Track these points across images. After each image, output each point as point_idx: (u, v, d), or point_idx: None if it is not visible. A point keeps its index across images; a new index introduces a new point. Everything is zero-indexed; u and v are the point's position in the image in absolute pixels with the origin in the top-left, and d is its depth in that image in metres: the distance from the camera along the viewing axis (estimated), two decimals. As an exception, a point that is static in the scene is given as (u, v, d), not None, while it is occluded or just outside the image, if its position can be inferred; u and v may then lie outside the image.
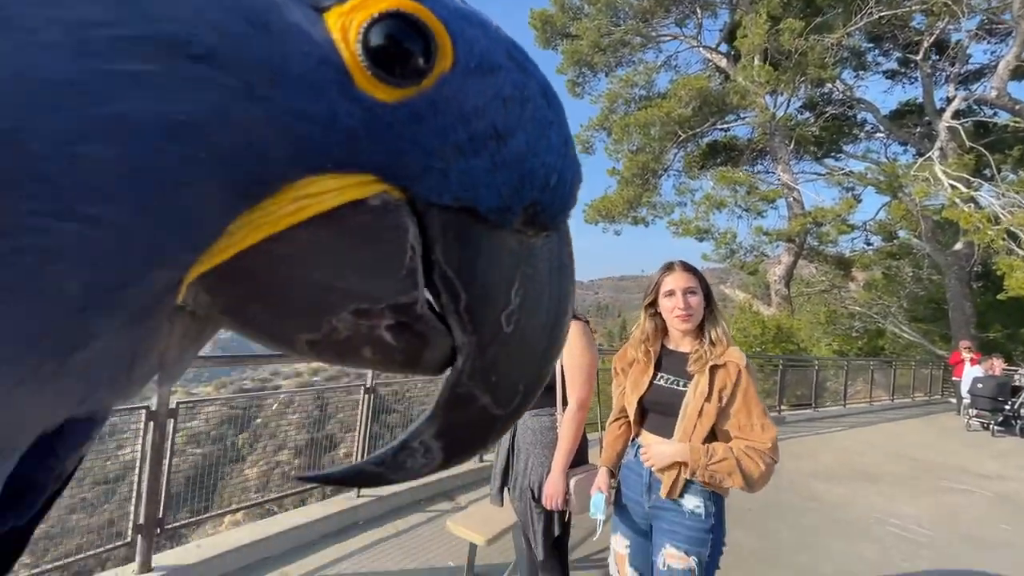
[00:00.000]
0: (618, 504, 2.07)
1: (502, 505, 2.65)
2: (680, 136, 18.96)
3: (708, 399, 1.80)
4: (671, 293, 1.91)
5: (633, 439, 2.05)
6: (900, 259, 23.38)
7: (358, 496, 4.00)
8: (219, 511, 3.68)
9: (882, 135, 22.43)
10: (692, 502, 1.87)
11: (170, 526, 2.92)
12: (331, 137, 0.23)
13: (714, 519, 1.85)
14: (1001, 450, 9.07)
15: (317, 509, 3.76)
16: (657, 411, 1.94)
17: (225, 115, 0.21)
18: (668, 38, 21.72)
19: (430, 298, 0.29)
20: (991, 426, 10.60)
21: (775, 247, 19.89)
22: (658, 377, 1.95)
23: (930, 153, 16.88)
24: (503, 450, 2.59)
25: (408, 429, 0.31)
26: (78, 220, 0.19)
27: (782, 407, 10.76)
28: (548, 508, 2.31)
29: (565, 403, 2.38)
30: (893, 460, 7.60)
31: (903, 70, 22.43)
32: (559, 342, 0.32)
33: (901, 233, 21.23)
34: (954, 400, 14.00)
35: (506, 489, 2.59)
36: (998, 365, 12.03)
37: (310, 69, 0.23)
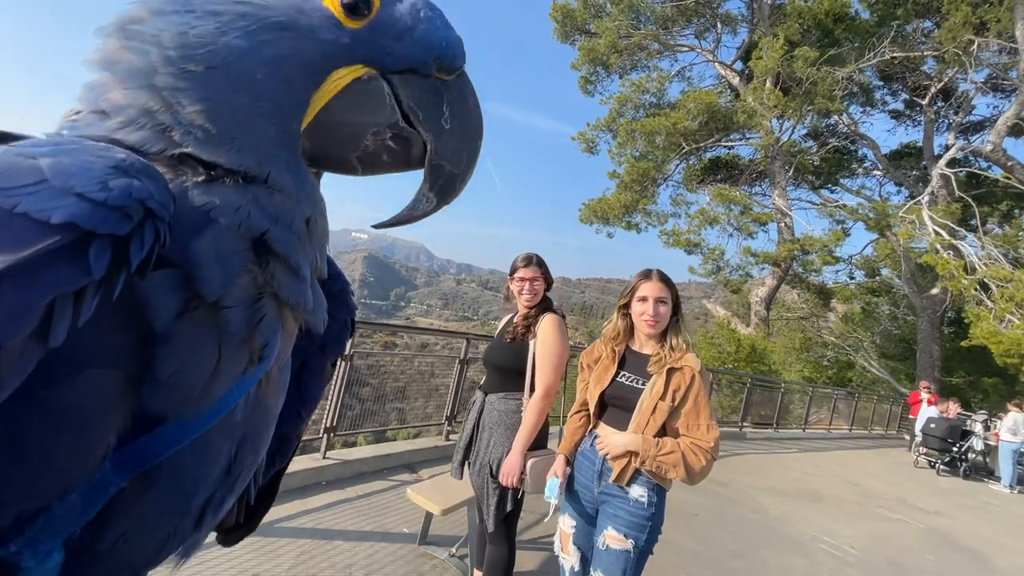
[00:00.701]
0: (569, 488, 2.22)
1: (461, 478, 2.79)
2: (684, 148, 19.11)
3: (663, 398, 1.95)
4: (644, 299, 2.06)
5: (591, 430, 2.19)
6: (879, 296, 24.02)
7: (324, 458, 4.12)
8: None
9: (879, 173, 22.86)
10: (637, 491, 2.02)
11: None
12: (337, 48, 0.49)
13: (655, 508, 2.00)
14: (942, 488, 9.51)
15: (283, 464, 3.87)
16: (616, 406, 2.09)
17: (304, 46, 0.47)
18: (685, 48, 21.78)
19: (404, 121, 0.54)
20: (937, 465, 11.06)
21: (761, 269, 20.26)
22: (620, 375, 2.09)
23: (920, 197, 17.30)
24: (468, 426, 2.72)
25: (417, 190, 0.56)
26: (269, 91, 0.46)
27: (744, 424, 11.09)
28: (504, 485, 2.45)
29: (533, 390, 2.51)
30: (839, 485, 7.95)
31: (908, 112, 22.83)
32: (480, 131, 0.57)
33: (884, 271, 21.78)
34: (908, 437, 14.54)
35: (467, 464, 2.73)
36: (954, 408, 12.50)
37: (323, 22, 0.49)
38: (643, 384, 2.02)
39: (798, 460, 9.38)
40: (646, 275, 2.13)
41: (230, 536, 0.63)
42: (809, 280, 20.72)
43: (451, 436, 5.46)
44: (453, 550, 3.31)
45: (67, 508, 0.32)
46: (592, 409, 2.15)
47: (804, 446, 11.08)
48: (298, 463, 3.94)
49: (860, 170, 23.01)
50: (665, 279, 2.11)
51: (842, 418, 16.10)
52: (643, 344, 2.13)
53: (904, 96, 21.92)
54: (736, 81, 21.00)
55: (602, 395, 2.10)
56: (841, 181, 22.52)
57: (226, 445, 0.45)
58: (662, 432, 2.00)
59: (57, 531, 0.32)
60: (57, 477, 0.31)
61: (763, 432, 11.48)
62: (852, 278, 23.07)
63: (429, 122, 0.54)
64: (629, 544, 1.96)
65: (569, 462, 2.25)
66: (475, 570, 2.79)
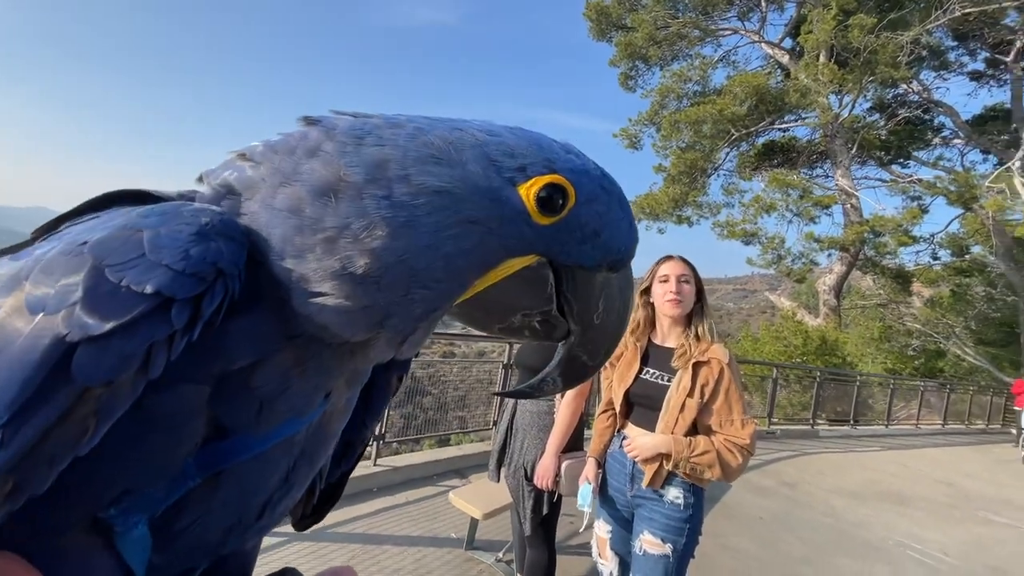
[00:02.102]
0: (603, 492, 2.16)
1: (499, 481, 2.79)
2: (733, 135, 18.29)
3: (690, 394, 1.86)
4: (665, 279, 1.99)
5: (619, 430, 2.13)
6: (971, 276, 21.68)
7: (375, 464, 4.26)
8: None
9: (960, 141, 20.80)
10: (672, 493, 1.93)
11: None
12: (521, 244, 0.50)
13: (692, 510, 1.91)
14: (1058, 488, 8.43)
15: (334, 471, 4.04)
16: (642, 404, 2.02)
17: (490, 241, 0.49)
18: (728, 32, 20.90)
19: (557, 310, 0.55)
20: (1051, 462, 9.83)
21: (827, 255, 18.95)
22: (644, 371, 2.02)
23: (1011, 163, 15.56)
24: (501, 429, 2.73)
25: (544, 371, 0.57)
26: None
27: (817, 422, 10.36)
28: (539, 487, 2.43)
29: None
30: (929, 485, 7.23)
31: (991, 72, 20.65)
32: (624, 328, 0.59)
33: (975, 248, 19.70)
34: (1014, 431, 13.01)
35: (502, 467, 2.73)
36: (1068, 398, 11.08)
37: (513, 216, 0.49)
38: (668, 380, 1.94)
39: (879, 459, 8.64)
40: (666, 258, 2.09)
41: (301, 523, 0.72)
42: (884, 264, 19.13)
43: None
44: (500, 555, 3.31)
45: (154, 492, 0.43)
46: (618, 408, 2.08)
47: (887, 444, 10.19)
48: (349, 470, 4.10)
49: (937, 140, 21.03)
50: (686, 261, 2.05)
51: (934, 412, 14.69)
52: (666, 336, 2.04)
53: (984, 55, 19.86)
54: (786, 60, 19.88)
55: (627, 394, 2.03)
56: (915, 154, 20.66)
57: (285, 460, 0.52)
58: (693, 430, 1.91)
59: (144, 509, 0.43)
60: (151, 467, 0.42)
61: (839, 430, 10.68)
62: (936, 259, 21.02)
63: (582, 315, 0.54)
64: (667, 548, 1.88)
65: (600, 465, 2.19)
66: (518, 575, 2.78)
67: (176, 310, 0.38)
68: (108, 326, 0.35)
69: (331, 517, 3.72)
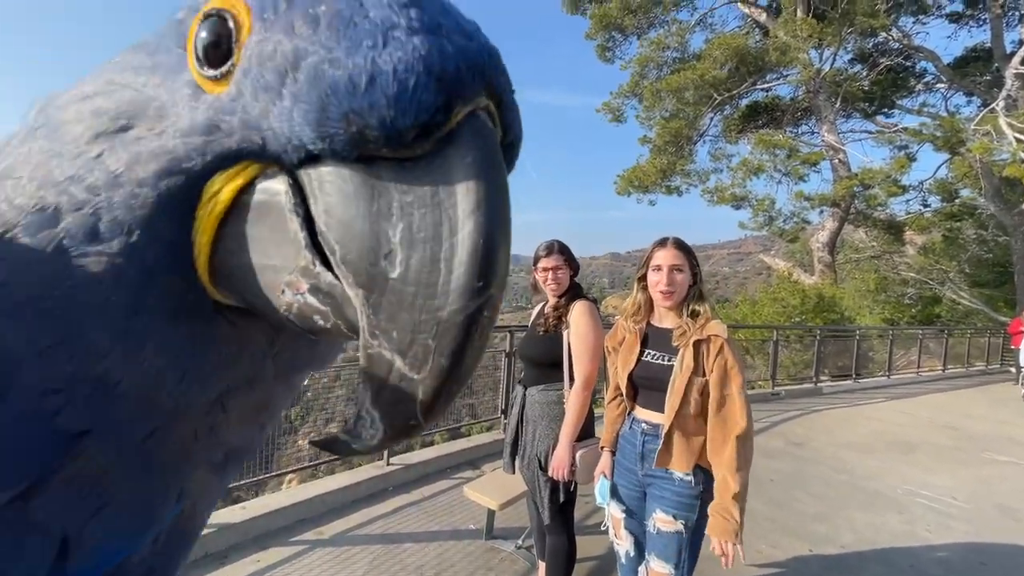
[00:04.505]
0: (614, 472, 2.18)
1: (514, 473, 2.82)
2: (716, 99, 18.11)
3: (695, 372, 1.86)
4: (658, 268, 1.97)
5: (628, 413, 2.14)
6: (961, 220, 21.76)
7: (387, 464, 4.29)
8: (268, 474, 4.04)
9: (943, 86, 20.66)
10: (682, 470, 1.95)
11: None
12: (199, 139, 0.29)
13: (703, 486, 1.93)
14: (1060, 422, 8.59)
15: (346, 476, 4.07)
16: (647, 386, 2.02)
17: (136, 147, 0.30)
18: (703, -6, 20.57)
19: (320, 262, 0.30)
20: (1052, 396, 10.01)
21: (819, 212, 18.95)
22: (645, 353, 2.02)
23: (995, 104, 15.49)
24: (512, 421, 2.74)
25: (357, 404, 0.30)
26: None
27: (820, 379, 10.48)
28: (555, 478, 2.45)
29: (572, 380, 2.48)
30: (934, 431, 7.35)
31: (969, 12, 20.41)
32: (469, 272, 0.26)
33: (964, 192, 19.73)
34: (1013, 370, 13.22)
35: (516, 457, 2.75)
36: (1065, 332, 11.23)
37: (177, 94, 0.30)
38: (670, 360, 1.94)
39: (884, 410, 8.76)
40: (661, 243, 2.04)
41: None
42: (875, 216, 19.16)
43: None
44: (520, 542, 3.36)
45: None
46: (625, 392, 2.09)
47: (890, 394, 10.33)
48: (363, 472, 4.13)
49: (920, 87, 20.90)
50: (681, 246, 2.01)
51: (934, 358, 14.87)
52: (663, 317, 2.04)
53: (962, -5, 19.63)
54: (763, 18, 19.58)
55: (631, 377, 2.04)
56: (899, 103, 20.54)
57: None
58: (702, 406, 1.90)
59: None
60: None
61: (842, 385, 10.80)
62: (926, 206, 21.06)
63: (354, 264, 0.28)
64: (680, 525, 1.90)
65: (614, 451, 2.21)
66: (540, 561, 2.82)
67: None
68: None
69: (350, 520, 3.73)
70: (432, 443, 5.27)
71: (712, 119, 20.06)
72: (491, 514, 3.40)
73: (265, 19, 0.28)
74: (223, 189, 0.30)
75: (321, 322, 0.30)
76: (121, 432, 0.33)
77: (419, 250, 0.27)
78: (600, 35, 20.16)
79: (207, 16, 0.30)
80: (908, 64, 20.39)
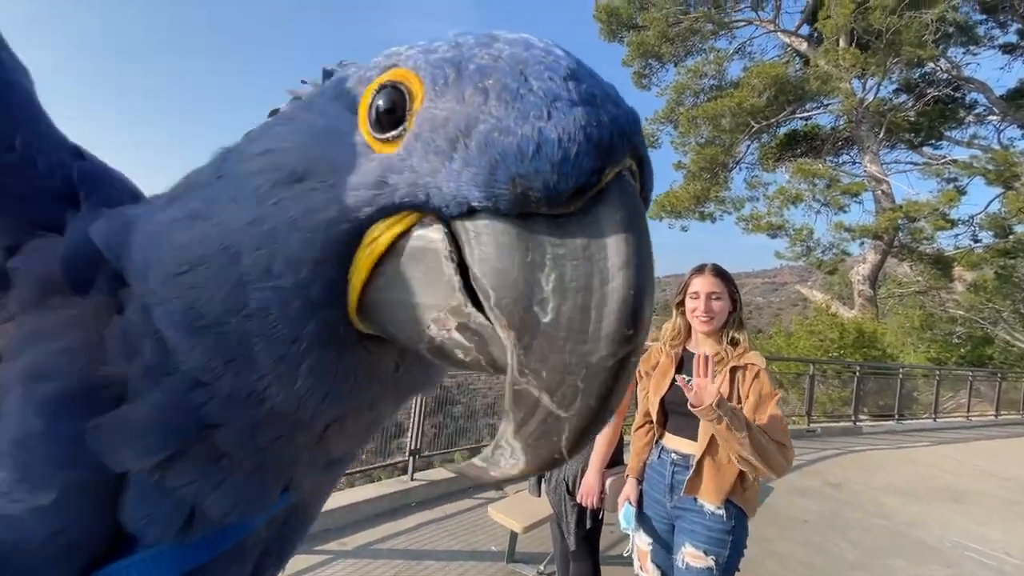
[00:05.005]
0: (642, 503, 2.14)
1: (539, 495, 2.80)
2: (753, 127, 17.94)
3: (730, 399, 1.83)
4: (696, 295, 1.97)
5: (657, 440, 2.11)
6: (1016, 258, 20.64)
7: (411, 480, 4.31)
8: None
9: (995, 118, 19.90)
10: (713, 504, 1.90)
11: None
12: (368, 191, 0.33)
13: (735, 522, 1.88)
14: None
15: (371, 489, 4.11)
16: (678, 412, 1.99)
17: (314, 197, 0.34)
18: (742, 24, 20.57)
19: (472, 304, 0.33)
20: (1120, 451, 9.24)
21: (859, 244, 18.35)
22: (679, 379, 2.00)
23: (1053, 137, 14.80)
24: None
25: (499, 432, 0.32)
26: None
27: (859, 417, 10.01)
28: (583, 505, 2.42)
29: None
30: (985, 480, 6.89)
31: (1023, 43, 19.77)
32: (619, 321, 0.29)
33: (1018, 228, 18.77)
34: (1075, 419, 12.31)
35: (543, 481, 2.74)
36: None
37: (350, 152, 0.34)
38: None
39: (929, 454, 8.28)
40: (699, 270, 2.03)
41: None
42: (921, 250, 18.40)
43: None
44: (542, 567, 3.31)
45: None
46: (655, 417, 2.07)
47: (937, 438, 9.76)
48: (387, 486, 4.16)
49: (970, 118, 20.18)
50: (720, 273, 2.00)
51: (985, 402, 14.02)
52: (700, 343, 2.02)
53: (1016, 26, 19.02)
54: (804, 47, 19.44)
55: (663, 402, 2.02)
56: (947, 134, 19.88)
57: (237, 568, 0.44)
58: None
59: None
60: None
61: (883, 425, 10.27)
62: (977, 241, 20.09)
63: (508, 309, 0.30)
64: (711, 561, 1.85)
65: (640, 482, 2.17)
66: (562, 588, 2.76)
67: None
68: None
69: (373, 533, 3.75)
70: (452, 460, 5.27)
71: (749, 146, 19.86)
72: (514, 537, 3.36)
73: (437, 90, 0.32)
74: (383, 235, 0.33)
75: (462, 356, 0.33)
76: (251, 434, 0.37)
77: (571, 299, 0.29)
78: (637, 62, 20.37)
79: (382, 87, 0.34)
80: (957, 95, 19.78)
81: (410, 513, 3.96)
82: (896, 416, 10.78)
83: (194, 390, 0.36)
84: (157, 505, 0.37)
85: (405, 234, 0.33)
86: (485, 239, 0.31)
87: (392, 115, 0.33)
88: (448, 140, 0.30)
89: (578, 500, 2.43)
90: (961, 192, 17.66)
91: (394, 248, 0.33)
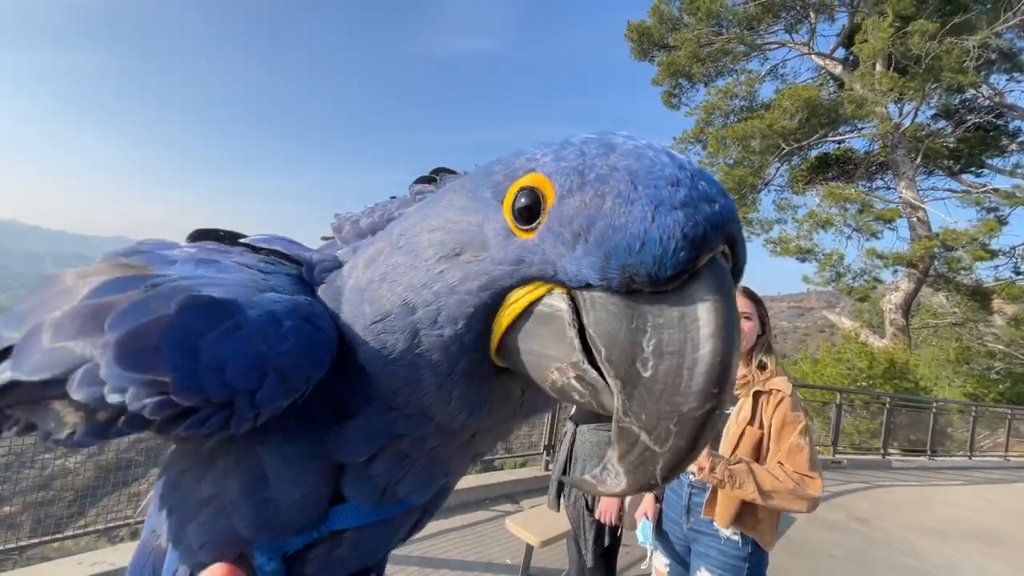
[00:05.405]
0: (660, 524, 2.14)
1: (558, 510, 2.80)
2: (783, 149, 17.72)
3: (751, 423, 1.83)
4: None
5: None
6: (1060, 292, 19.75)
7: (430, 487, 4.34)
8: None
9: (1040, 147, 19.22)
10: (729, 529, 1.89)
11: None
12: (509, 265, 0.43)
13: (751, 548, 1.86)
14: None
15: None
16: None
17: (469, 268, 0.44)
18: (775, 46, 20.45)
19: (587, 360, 0.41)
20: None
21: (892, 272, 17.82)
22: None
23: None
24: (561, 457, 2.74)
25: (606, 457, 0.41)
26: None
27: (888, 451, 9.65)
28: (602, 521, 2.42)
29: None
30: (1023, 524, 6.55)
31: (1072, 71, 19.11)
32: (706, 381, 0.35)
33: (1063, 261, 17.98)
34: (1124, 466, 11.60)
35: (562, 496, 2.74)
36: None
37: (497, 235, 0.44)
38: (728, 408, 1.91)
39: (963, 494, 7.93)
40: None
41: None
42: (958, 280, 17.76)
43: (550, 466, 5.45)
44: (556, 584, 3.29)
45: (284, 543, 0.53)
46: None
47: (971, 477, 9.33)
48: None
49: (1014, 147, 19.53)
50: (750, 295, 2.00)
51: (1024, 442, 13.34)
52: None
53: (1063, 54, 18.41)
54: (839, 70, 19.20)
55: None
56: (988, 162, 19.26)
57: (407, 521, 0.60)
58: (755, 457, 1.85)
59: (278, 551, 0.53)
60: (279, 526, 0.52)
61: (914, 461, 9.88)
62: (1019, 273, 19.29)
63: (615, 364, 0.38)
64: (729, 586, 1.83)
65: (659, 499, 2.17)
66: (577, 606, 2.75)
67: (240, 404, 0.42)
68: (137, 379, 0.39)
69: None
70: (470, 472, 5.29)
71: (779, 169, 19.61)
72: (529, 550, 3.35)
73: (565, 195, 0.40)
74: (520, 300, 0.43)
75: (577, 398, 0.42)
76: (423, 441, 0.51)
77: (667, 360, 0.36)
78: (667, 82, 20.39)
79: (523, 188, 0.43)
80: (999, 123, 19.19)
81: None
82: (928, 452, 10.35)
83: (386, 412, 0.49)
84: (362, 486, 0.52)
85: (537, 300, 0.42)
86: (599, 307, 0.39)
87: (530, 211, 0.42)
88: (573, 234, 0.39)
89: (597, 516, 2.43)
90: (1002, 222, 17.04)
91: (528, 310, 0.43)
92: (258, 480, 0.51)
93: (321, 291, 0.55)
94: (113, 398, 0.39)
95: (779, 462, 1.78)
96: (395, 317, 0.46)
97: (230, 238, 0.63)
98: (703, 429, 0.36)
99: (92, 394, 0.40)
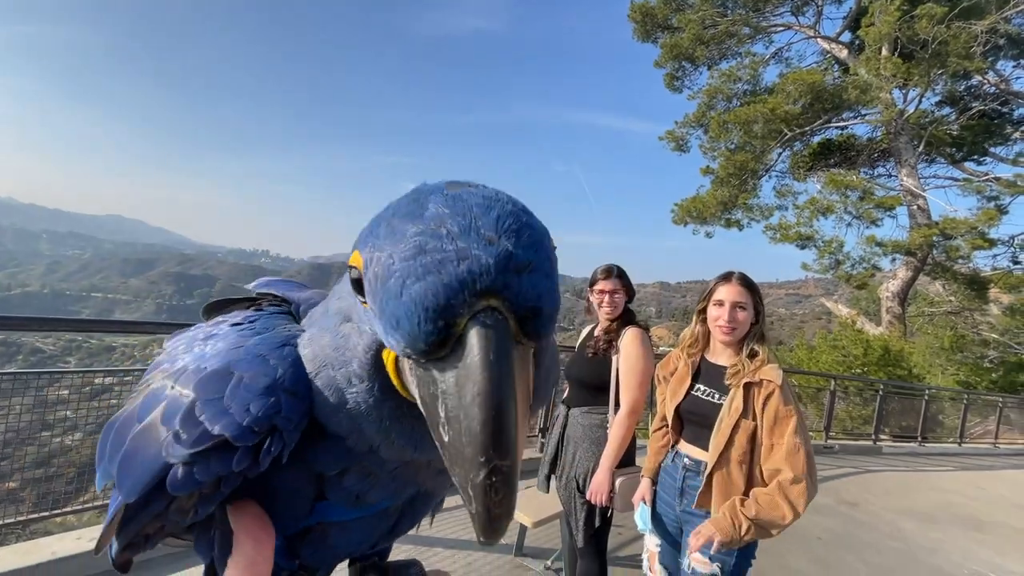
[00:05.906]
0: (654, 505, 2.16)
1: (548, 492, 2.83)
2: (786, 134, 17.57)
3: (744, 415, 1.83)
4: (720, 303, 1.95)
5: (672, 446, 2.12)
6: (1057, 282, 19.81)
7: (425, 468, 4.39)
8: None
9: (1045, 135, 19.08)
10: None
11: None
12: (368, 331, 0.47)
13: (743, 531, 1.88)
14: None
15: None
16: (694, 422, 2.00)
17: (350, 328, 0.50)
18: (781, 28, 20.13)
19: None
20: None
21: (891, 260, 17.84)
22: (695, 388, 2.00)
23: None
24: (553, 440, 2.76)
25: None
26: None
27: (880, 437, 9.77)
28: (593, 503, 2.44)
29: (618, 405, 2.49)
30: (1011, 511, 6.67)
31: (1080, 59, 18.88)
32: (473, 448, 0.35)
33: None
34: (1112, 454, 11.78)
35: (553, 477, 2.77)
36: None
37: (360, 303, 0.47)
38: (719, 399, 1.92)
39: (952, 480, 8.05)
40: (725, 277, 1.99)
41: None
42: (956, 269, 17.80)
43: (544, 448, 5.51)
44: (549, 563, 3.35)
45: (286, 526, 0.58)
46: (671, 424, 2.08)
47: (961, 463, 9.47)
48: (402, 473, 4.24)
49: (1017, 135, 19.39)
50: (747, 283, 1.97)
51: (1014, 430, 13.52)
52: (719, 353, 2.01)
53: (1073, 40, 18.17)
54: (844, 55, 18.93)
55: (677, 410, 2.03)
56: (991, 150, 19.14)
57: (385, 521, 0.64)
58: (750, 450, 1.87)
59: (280, 531, 0.58)
60: (280, 513, 0.57)
61: (904, 447, 10.02)
62: (1017, 263, 19.33)
63: (432, 427, 0.40)
64: (715, 568, 1.86)
65: (655, 483, 2.19)
66: (568, 584, 2.80)
67: (239, 454, 0.48)
68: (187, 454, 0.47)
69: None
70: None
71: (780, 154, 19.46)
72: (523, 530, 3.41)
73: (365, 272, 0.43)
74: (389, 356, 0.45)
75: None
76: (382, 464, 0.55)
77: (453, 426, 0.37)
78: (670, 64, 20.11)
79: (350, 267, 0.46)
80: (1004, 110, 19.01)
81: (422, 501, 4.04)
82: (919, 438, 10.48)
83: (343, 442, 0.53)
84: (338, 491, 0.57)
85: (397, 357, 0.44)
86: (412, 373, 0.41)
87: (359, 284, 0.44)
88: (374, 310, 0.42)
89: (588, 498, 2.45)
90: (1002, 211, 17.00)
91: (398, 366, 0.44)
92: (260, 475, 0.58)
93: (304, 323, 0.63)
94: (200, 474, 0.47)
95: (768, 492, 1.75)
96: (325, 372, 0.51)
97: (240, 301, 0.73)
98: (488, 497, 0.35)
99: (184, 483, 0.48)
